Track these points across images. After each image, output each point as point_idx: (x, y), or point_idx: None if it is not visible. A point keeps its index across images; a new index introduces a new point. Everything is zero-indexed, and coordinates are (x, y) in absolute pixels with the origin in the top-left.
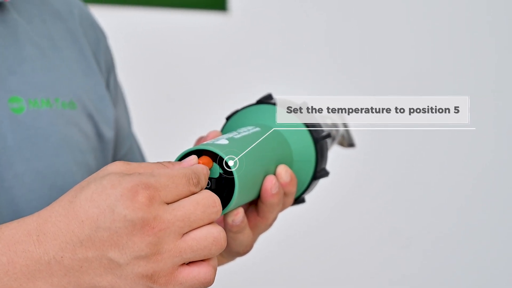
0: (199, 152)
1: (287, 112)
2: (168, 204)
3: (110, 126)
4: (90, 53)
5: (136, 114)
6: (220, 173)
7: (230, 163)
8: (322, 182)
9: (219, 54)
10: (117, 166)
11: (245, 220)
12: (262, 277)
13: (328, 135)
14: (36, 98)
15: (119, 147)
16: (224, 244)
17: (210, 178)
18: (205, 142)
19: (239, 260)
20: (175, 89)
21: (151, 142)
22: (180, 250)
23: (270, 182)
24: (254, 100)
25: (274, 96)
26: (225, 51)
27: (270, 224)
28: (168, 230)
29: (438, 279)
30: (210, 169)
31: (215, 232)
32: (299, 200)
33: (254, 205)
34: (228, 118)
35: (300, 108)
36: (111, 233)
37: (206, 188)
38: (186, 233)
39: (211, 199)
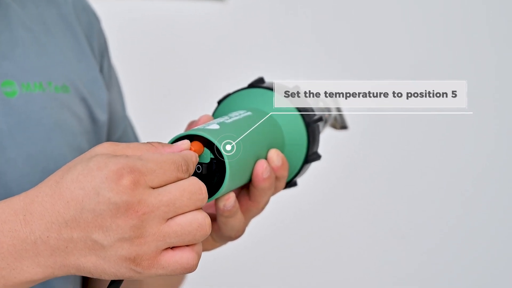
0: (190, 137)
1: (279, 96)
2: (154, 188)
3: (104, 109)
4: (83, 37)
5: (130, 100)
6: (211, 158)
7: (222, 148)
8: (318, 172)
9: (215, 42)
10: (104, 147)
11: (237, 204)
12: (259, 273)
13: (320, 119)
14: (29, 82)
15: (113, 130)
16: (208, 230)
17: (201, 163)
18: (196, 128)
19: (238, 255)
20: (170, 77)
21: (145, 127)
22: (164, 235)
23: (261, 167)
24: (246, 85)
25: (266, 80)
26: (221, 40)
27: (262, 208)
28: (152, 214)
29: (437, 277)
30: (201, 154)
31: (200, 218)
32: (291, 183)
33: (245, 189)
34: (219, 102)
35: (292, 92)
36: (96, 215)
37: (197, 174)
38: (171, 218)
39: (197, 186)
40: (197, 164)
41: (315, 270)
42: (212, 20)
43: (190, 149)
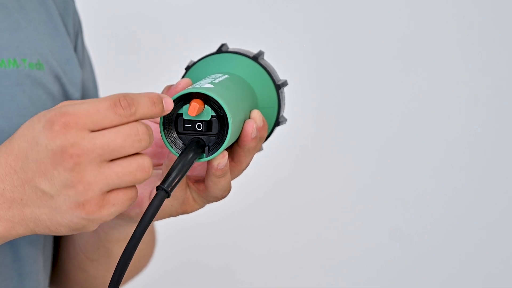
0: (188, 96)
1: (249, 59)
2: (92, 131)
3: (77, 88)
4: (57, 15)
5: (102, 82)
6: (211, 115)
7: (223, 104)
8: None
9: (194, 21)
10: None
11: (228, 163)
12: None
13: (286, 82)
14: (2, 58)
15: None
16: (149, 171)
17: (201, 121)
18: (193, 86)
19: (244, 252)
20: (142, 57)
21: None
22: (106, 176)
23: (251, 127)
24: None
25: (230, 46)
26: (199, 20)
27: (243, 169)
28: (87, 157)
29: (437, 277)
30: (202, 112)
31: (140, 159)
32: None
33: (229, 150)
34: (187, 69)
35: (259, 57)
36: (38, 164)
37: (198, 131)
38: (112, 160)
39: (135, 128)
40: (198, 122)
41: (313, 270)
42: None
43: (195, 106)
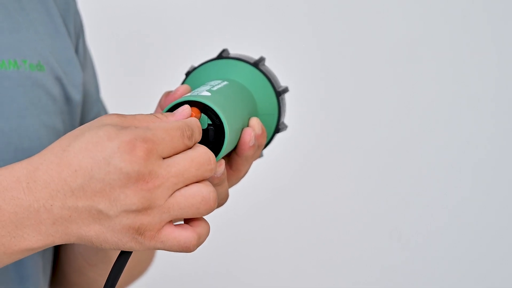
0: (184, 104)
1: (249, 66)
2: (164, 159)
3: (78, 90)
4: (58, 16)
5: (104, 83)
6: (208, 124)
7: (220, 113)
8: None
9: (196, 24)
10: (112, 118)
11: (225, 172)
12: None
13: (287, 89)
14: (3, 59)
15: (87, 112)
16: (213, 205)
17: None
18: (190, 94)
19: (244, 254)
20: (145, 60)
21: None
22: (169, 206)
23: (249, 135)
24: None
25: (231, 51)
26: (202, 23)
27: (241, 177)
28: (162, 186)
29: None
30: (198, 120)
31: (205, 192)
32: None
33: (226, 158)
34: (187, 74)
35: (260, 63)
36: (104, 184)
37: None
38: (177, 189)
39: (207, 156)
40: None
41: (313, 271)
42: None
43: (192, 115)
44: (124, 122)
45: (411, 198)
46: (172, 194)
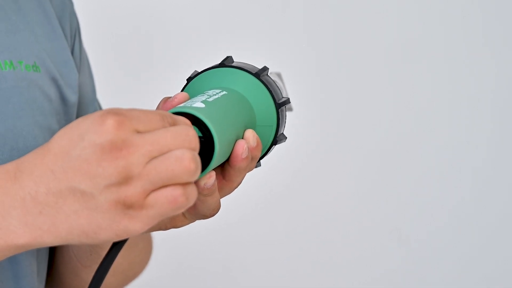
0: (177, 114)
1: (251, 76)
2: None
3: (74, 90)
4: (55, 17)
5: (100, 84)
6: (199, 136)
7: (213, 127)
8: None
9: (193, 27)
10: None
11: (216, 183)
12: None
13: (288, 100)
14: None
15: (82, 113)
16: (189, 164)
17: None
18: (182, 105)
19: (244, 255)
20: (141, 61)
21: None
22: (147, 173)
23: (241, 147)
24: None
25: (235, 59)
26: (199, 25)
27: (235, 188)
28: (136, 152)
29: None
30: None
31: (179, 153)
32: (256, 164)
33: (219, 168)
34: (189, 80)
35: (262, 73)
36: (81, 161)
37: None
38: (155, 157)
39: (185, 128)
40: None
41: (313, 272)
42: (189, 5)
43: None
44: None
45: (411, 198)
46: (151, 161)
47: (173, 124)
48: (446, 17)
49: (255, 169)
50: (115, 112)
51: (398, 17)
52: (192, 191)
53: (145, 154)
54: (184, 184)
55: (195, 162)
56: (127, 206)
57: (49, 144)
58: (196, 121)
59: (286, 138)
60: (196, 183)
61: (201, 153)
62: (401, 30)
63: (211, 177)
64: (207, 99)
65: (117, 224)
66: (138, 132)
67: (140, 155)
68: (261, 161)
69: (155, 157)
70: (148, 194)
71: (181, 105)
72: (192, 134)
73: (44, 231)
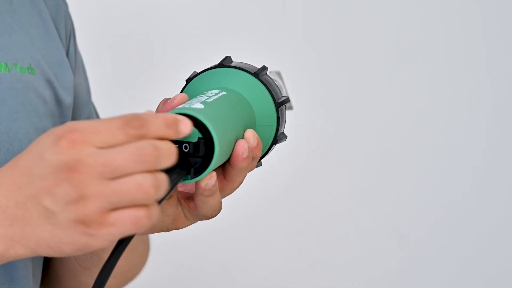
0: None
1: (250, 75)
2: (100, 149)
3: (69, 92)
4: (49, 19)
5: (95, 86)
6: (199, 137)
7: (212, 128)
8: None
9: (189, 27)
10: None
11: (217, 184)
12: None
13: (288, 100)
14: None
15: (77, 115)
16: (150, 191)
17: (188, 143)
18: (181, 107)
19: (244, 255)
20: (137, 63)
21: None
22: (105, 194)
23: (242, 147)
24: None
25: (235, 59)
26: (195, 26)
27: (236, 188)
28: (88, 173)
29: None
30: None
31: (139, 178)
32: (257, 164)
33: (220, 168)
34: (188, 81)
35: (261, 73)
36: (42, 179)
37: (184, 153)
38: (114, 179)
39: (138, 148)
40: (184, 143)
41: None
42: (188, 5)
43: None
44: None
45: (411, 198)
46: (107, 182)
47: (139, 128)
48: (445, 17)
49: (255, 169)
50: (72, 129)
51: (398, 17)
52: (155, 211)
53: (97, 175)
54: (148, 205)
55: (156, 187)
56: (86, 225)
57: (18, 158)
58: (196, 122)
59: (287, 137)
60: (197, 184)
61: (201, 155)
62: (401, 30)
63: (212, 178)
64: (206, 100)
65: (78, 240)
66: (97, 147)
67: (93, 175)
68: (261, 160)
69: (114, 178)
70: (108, 212)
71: (181, 106)
72: (146, 153)
73: (15, 242)
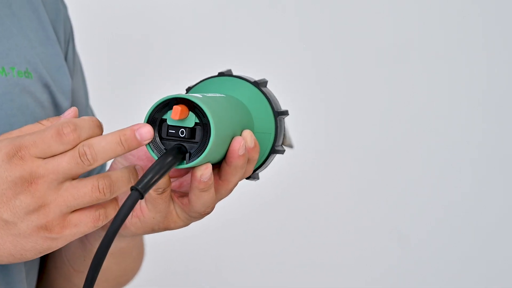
0: (174, 101)
1: (249, 84)
2: (43, 159)
3: (67, 96)
4: (48, 22)
5: (93, 90)
6: (195, 122)
7: (206, 109)
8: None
9: (187, 32)
10: (1, 137)
11: (212, 178)
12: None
13: (287, 112)
14: None
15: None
16: (105, 191)
17: (184, 128)
18: (179, 94)
19: (244, 255)
20: (135, 67)
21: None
22: (64, 199)
23: (238, 143)
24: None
25: (234, 60)
26: (194, 30)
27: (231, 190)
28: (44, 182)
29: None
30: (185, 118)
31: (95, 181)
32: (254, 175)
33: (216, 168)
34: (188, 90)
35: (261, 83)
36: (1, 195)
37: (180, 138)
38: (69, 182)
39: (76, 150)
40: (181, 128)
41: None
42: (185, 9)
43: (180, 112)
44: (12, 135)
45: (411, 198)
46: (62, 187)
47: (72, 132)
48: (445, 17)
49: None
50: (17, 146)
51: (397, 17)
52: (112, 209)
53: (52, 182)
54: (104, 204)
55: (110, 187)
56: (49, 230)
57: None
58: (192, 108)
59: (285, 150)
60: (193, 176)
61: (197, 140)
62: (400, 30)
63: (207, 169)
64: (205, 95)
65: (40, 245)
66: (41, 158)
67: (49, 184)
68: (260, 174)
69: (70, 181)
70: (68, 215)
71: (180, 93)
72: (83, 153)
73: None
